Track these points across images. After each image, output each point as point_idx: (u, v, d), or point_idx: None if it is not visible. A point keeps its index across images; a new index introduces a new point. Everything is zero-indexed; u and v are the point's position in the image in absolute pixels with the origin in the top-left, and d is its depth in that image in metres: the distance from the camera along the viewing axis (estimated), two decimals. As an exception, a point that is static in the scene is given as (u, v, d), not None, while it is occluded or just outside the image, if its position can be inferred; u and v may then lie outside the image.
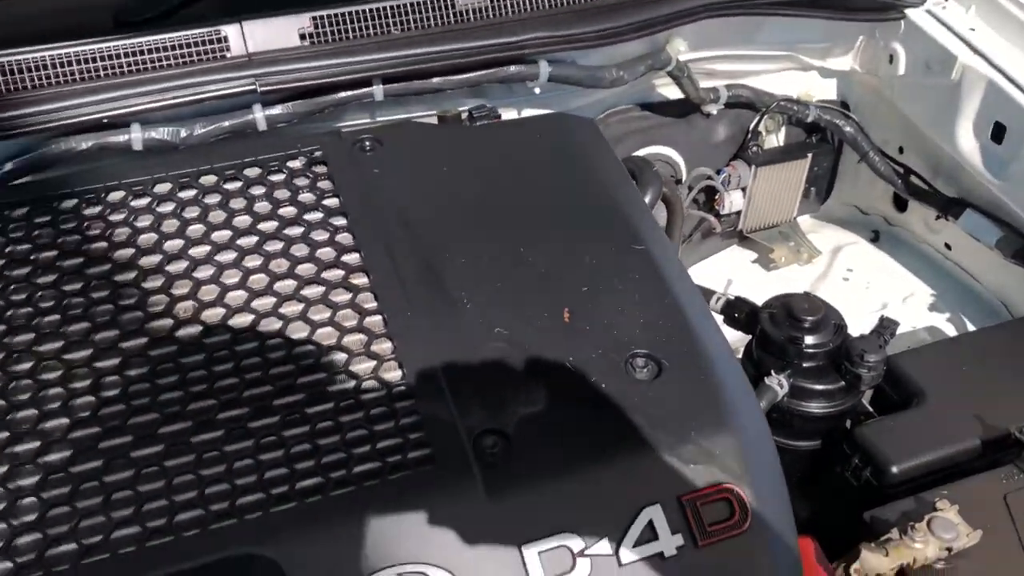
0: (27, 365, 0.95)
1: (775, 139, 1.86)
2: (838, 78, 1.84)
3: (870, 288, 1.80)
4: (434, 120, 1.41)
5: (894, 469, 1.19)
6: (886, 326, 1.29)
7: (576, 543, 0.87)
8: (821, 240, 1.92)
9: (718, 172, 1.81)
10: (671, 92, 1.73)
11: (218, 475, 0.88)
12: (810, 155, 1.86)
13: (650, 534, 0.89)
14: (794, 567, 0.94)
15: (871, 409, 1.34)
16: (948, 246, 1.80)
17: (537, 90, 1.47)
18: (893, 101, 1.74)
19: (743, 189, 1.84)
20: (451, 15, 1.39)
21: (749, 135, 1.81)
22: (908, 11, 1.63)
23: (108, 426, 0.91)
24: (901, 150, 1.80)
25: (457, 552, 0.86)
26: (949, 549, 1.04)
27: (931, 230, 1.82)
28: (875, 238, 1.95)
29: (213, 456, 0.90)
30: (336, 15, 1.34)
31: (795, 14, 1.60)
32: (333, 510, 0.86)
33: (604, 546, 0.88)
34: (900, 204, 1.88)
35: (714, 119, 1.77)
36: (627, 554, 0.88)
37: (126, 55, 1.29)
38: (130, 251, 1.07)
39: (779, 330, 1.27)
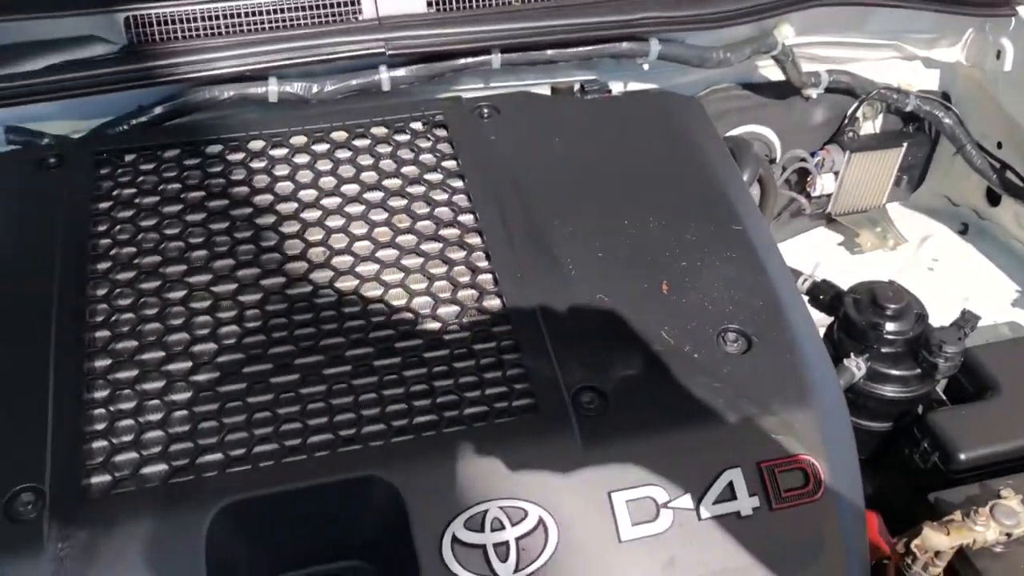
0: (179, 294, 1.07)
1: (872, 126, 1.89)
2: (942, 69, 1.86)
3: (954, 279, 1.83)
4: (546, 90, 1.48)
5: (962, 456, 1.25)
6: (967, 319, 1.33)
7: (661, 495, 0.96)
8: (909, 228, 1.95)
9: (812, 155, 1.85)
10: (772, 73, 1.77)
11: (346, 405, 0.99)
12: (905, 144, 1.89)
13: (729, 494, 0.98)
14: (860, 538, 1.02)
15: (944, 397, 1.40)
16: (1036, 242, 1.82)
17: (646, 66, 1.53)
18: (996, 96, 1.75)
19: (835, 173, 1.88)
20: (570, -9, 1.46)
21: (846, 120, 1.84)
22: (1021, 8, 1.64)
23: (251, 354, 1.02)
24: (1000, 145, 1.82)
25: (552, 493, 0.95)
26: (1009, 535, 1.10)
27: (1021, 226, 1.84)
28: (964, 230, 1.97)
29: (342, 388, 1.00)
30: (464, -16, 1.42)
31: (907, 6, 1.62)
32: (445, 445, 0.96)
33: (686, 501, 0.97)
34: (993, 199, 1.90)
35: (813, 102, 1.81)
36: (706, 510, 0.97)
37: (267, 13, 1.39)
38: (269, 197, 1.18)
39: (862, 315, 1.33)
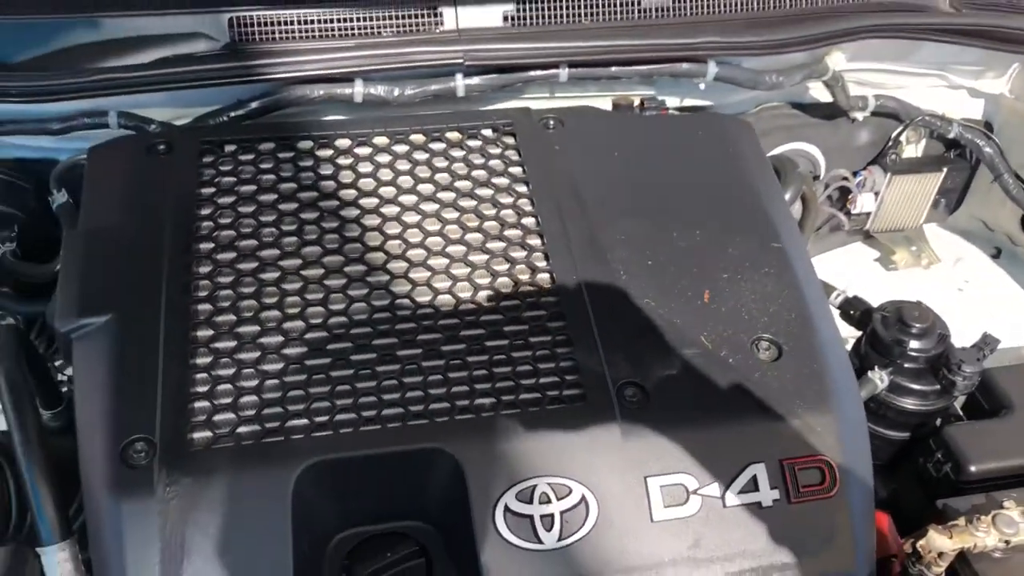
0: (273, 275, 1.20)
1: (914, 150, 1.96)
2: (986, 100, 1.93)
3: (983, 301, 1.91)
4: (608, 103, 1.59)
5: (972, 468, 1.34)
6: (987, 342, 1.42)
7: (691, 483, 1.08)
8: (943, 248, 2.04)
9: (855, 174, 1.93)
10: (821, 94, 1.85)
11: (416, 384, 1.12)
12: (945, 169, 1.96)
13: (752, 486, 1.09)
14: (868, 534, 1.13)
15: (961, 413, 1.49)
16: (1067, 273, 1.90)
17: (702, 86, 1.63)
18: (1037, 130, 1.83)
19: (875, 193, 1.96)
20: (636, 12, 1.57)
21: (890, 143, 1.92)
22: (1064, 48, 1.72)
23: (334, 333, 1.15)
24: (1037, 176, 1.90)
25: (594, 474, 1.07)
26: (1007, 542, 1.20)
27: (1052, 254, 1.92)
28: (996, 254, 2.05)
29: (412, 368, 1.13)
30: (538, 2, 1.53)
31: (956, 42, 1.70)
32: (502, 425, 1.08)
33: (714, 489, 1.08)
34: (1027, 226, 1.98)
35: (858, 124, 1.89)
36: (731, 499, 1.08)
37: (357, 20, 1.52)
38: (353, 192, 1.31)
39: (888, 332, 1.43)
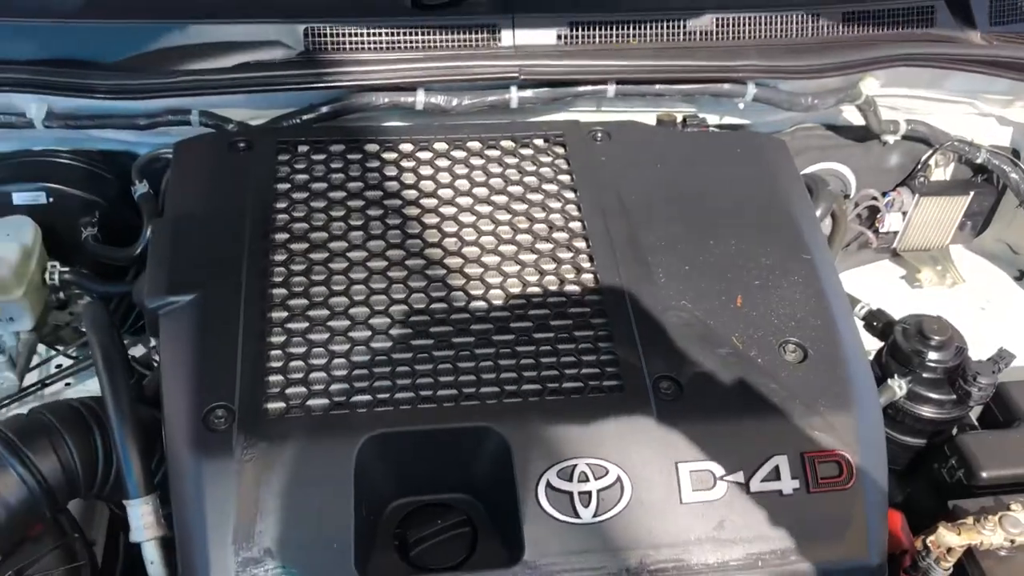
0: (341, 265, 1.32)
1: (942, 173, 2.04)
2: (1014, 128, 2.01)
3: (1003, 321, 1.98)
4: (652, 118, 1.69)
5: (983, 474, 1.42)
6: (1003, 356, 1.50)
7: (718, 470, 1.18)
8: (967, 269, 2.11)
9: (884, 194, 2.02)
10: (854, 117, 1.93)
11: (469, 368, 1.22)
12: (972, 193, 2.04)
13: (775, 475, 1.18)
14: (881, 525, 1.21)
15: (975, 423, 1.58)
16: (1086, 297, 1.97)
17: (741, 105, 1.73)
18: (1061, 157, 1.91)
19: (903, 213, 2.04)
20: (681, 34, 1.67)
21: (919, 166, 2.00)
22: (1089, 82, 1.80)
23: (395, 319, 1.26)
24: (1061, 202, 1.97)
25: (629, 457, 1.17)
26: (1012, 541, 1.28)
27: (1072, 279, 1.99)
28: (1019, 277, 2.12)
29: (466, 355, 1.24)
30: (589, 22, 1.64)
31: (986, 72, 1.79)
32: (547, 409, 1.19)
33: (739, 476, 1.18)
34: (1049, 251, 2.05)
35: (889, 147, 1.97)
36: (755, 486, 1.18)
37: (420, 33, 1.63)
38: (414, 192, 1.42)
39: (908, 343, 1.51)
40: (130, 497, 1.18)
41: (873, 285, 2.08)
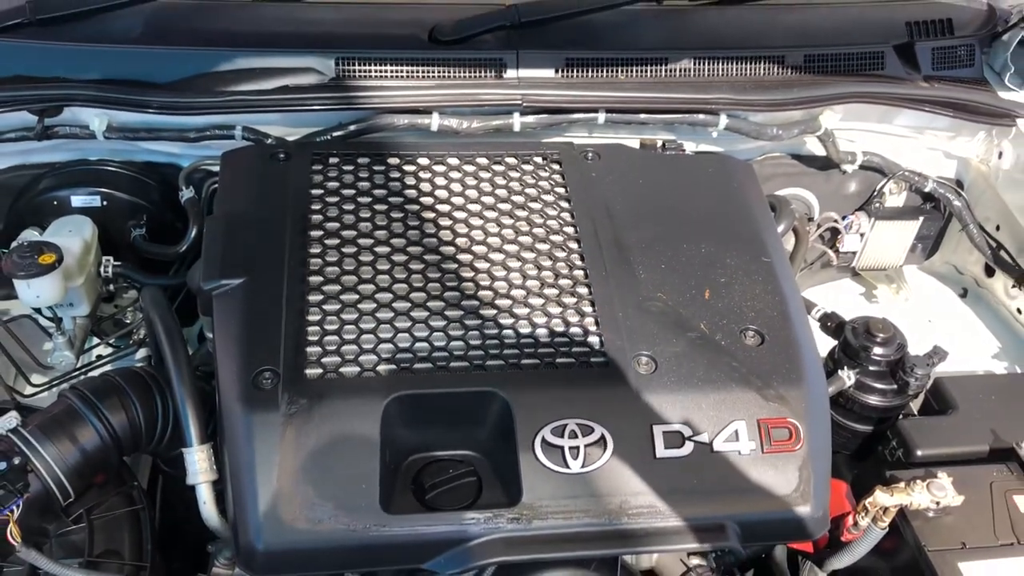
0: (368, 258, 1.54)
1: (896, 200, 2.28)
2: (957, 161, 2.25)
3: (948, 333, 2.21)
4: (636, 143, 1.93)
5: (919, 452, 1.64)
6: (937, 352, 1.73)
7: (687, 431, 1.38)
8: (918, 286, 2.35)
9: (843, 217, 2.25)
10: (816, 148, 2.18)
11: (477, 345, 1.43)
12: (921, 218, 2.28)
13: (735, 438, 1.39)
14: (825, 484, 1.41)
15: (915, 411, 1.80)
16: (1020, 311, 2.20)
17: (714, 134, 1.97)
18: (996, 188, 2.15)
19: (861, 235, 2.28)
20: (664, 71, 1.92)
21: (875, 193, 2.24)
22: (1020, 120, 2.05)
23: (414, 303, 1.48)
24: (998, 228, 2.21)
25: (612, 419, 1.37)
26: (938, 503, 1.50)
27: (1009, 296, 2.22)
28: (963, 294, 2.36)
29: (475, 334, 1.45)
30: (583, 59, 1.89)
31: (930, 110, 2.04)
32: (543, 378, 1.40)
33: (704, 438, 1.39)
34: (989, 271, 2.28)
35: (848, 175, 2.21)
36: (718, 445, 1.38)
37: (436, 64, 1.87)
38: (431, 199, 1.65)
39: (857, 340, 1.74)
40: (188, 445, 1.38)
41: (834, 300, 2.31)
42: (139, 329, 1.97)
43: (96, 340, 1.98)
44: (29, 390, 1.78)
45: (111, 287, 1.90)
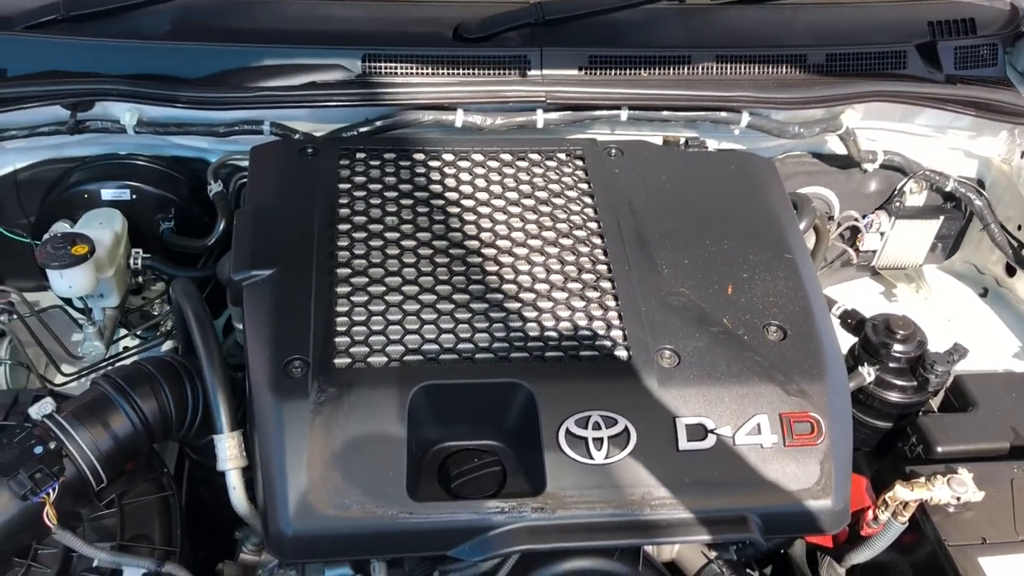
0: (395, 251, 1.56)
1: (916, 199, 2.29)
2: (979, 160, 2.26)
3: (967, 331, 2.22)
4: (658, 140, 1.95)
5: (939, 449, 1.65)
6: (957, 349, 1.74)
7: (710, 424, 1.40)
8: (938, 286, 2.36)
9: (864, 216, 2.26)
10: (837, 147, 2.19)
11: (502, 337, 1.45)
12: (942, 218, 2.29)
13: (757, 431, 1.41)
14: (846, 477, 1.43)
15: (935, 409, 1.81)
16: (1042, 311, 2.22)
17: (736, 131, 1.98)
18: (1018, 187, 2.16)
19: (881, 234, 2.29)
20: (686, 69, 1.93)
21: (895, 192, 2.25)
22: (1042, 119, 2.06)
23: (440, 296, 1.50)
24: (1020, 227, 2.21)
25: (635, 412, 1.39)
26: (958, 498, 1.51)
27: (1031, 297, 2.24)
28: (984, 294, 2.36)
29: (500, 326, 1.47)
30: (607, 57, 1.90)
31: (952, 110, 2.05)
32: (567, 371, 1.42)
33: (727, 431, 1.40)
34: (1010, 270, 2.29)
35: (869, 175, 2.22)
36: (740, 439, 1.40)
37: (461, 61, 1.89)
38: (456, 194, 1.67)
39: (877, 336, 1.75)
40: (219, 432, 1.41)
41: (854, 299, 2.30)
42: (166, 321, 2.01)
43: (124, 331, 2.02)
44: (60, 379, 1.81)
45: (140, 279, 1.93)
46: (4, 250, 1.98)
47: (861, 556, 1.60)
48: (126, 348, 2.03)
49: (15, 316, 1.79)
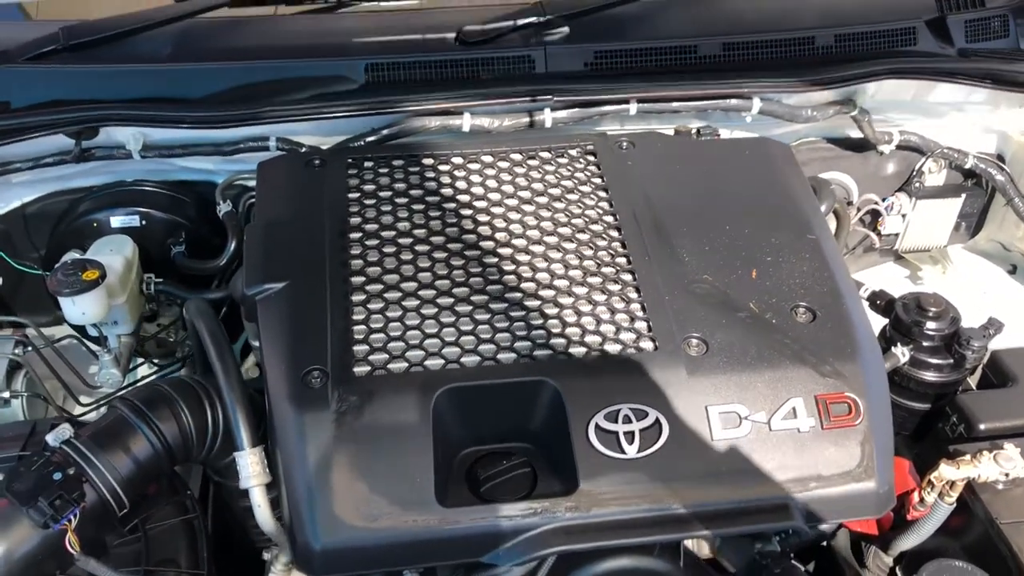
0: (408, 256, 1.53)
1: (936, 179, 2.24)
2: (997, 135, 2.22)
3: (998, 307, 2.15)
4: (670, 131, 1.92)
5: (981, 426, 1.59)
6: (992, 323, 1.69)
7: (743, 411, 1.36)
8: (965, 267, 2.30)
9: (883, 199, 2.22)
10: (852, 130, 2.15)
11: (523, 336, 1.42)
12: (964, 196, 2.24)
13: (792, 415, 1.36)
14: (887, 457, 1.38)
15: (972, 387, 1.76)
16: (1073, 283, 2.16)
17: (748, 119, 1.95)
18: (1041, 159, 2.12)
19: (902, 216, 2.24)
20: (694, 59, 1.90)
21: (914, 173, 2.21)
22: (1061, 89, 2.02)
23: (458, 298, 1.46)
24: (1045, 200, 2.17)
25: (666, 403, 1.35)
26: (1007, 475, 1.45)
27: (1061, 270, 2.18)
28: (1012, 271, 2.31)
29: (520, 324, 1.43)
30: (612, 51, 1.88)
31: (967, 83, 2.00)
32: (592, 365, 1.39)
33: (761, 416, 1.36)
34: (1039, 245, 2.25)
35: (886, 156, 2.18)
36: (776, 423, 1.35)
37: (464, 65, 1.87)
38: (467, 197, 1.64)
39: (908, 315, 1.70)
40: (240, 448, 1.37)
41: (880, 284, 2.26)
42: (182, 347, 1.99)
43: (140, 360, 2.00)
44: (78, 410, 1.78)
45: (153, 306, 1.91)
46: (16, 284, 1.97)
47: (908, 542, 1.55)
48: (143, 377, 2.01)
49: (30, 348, 1.77)
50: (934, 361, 1.69)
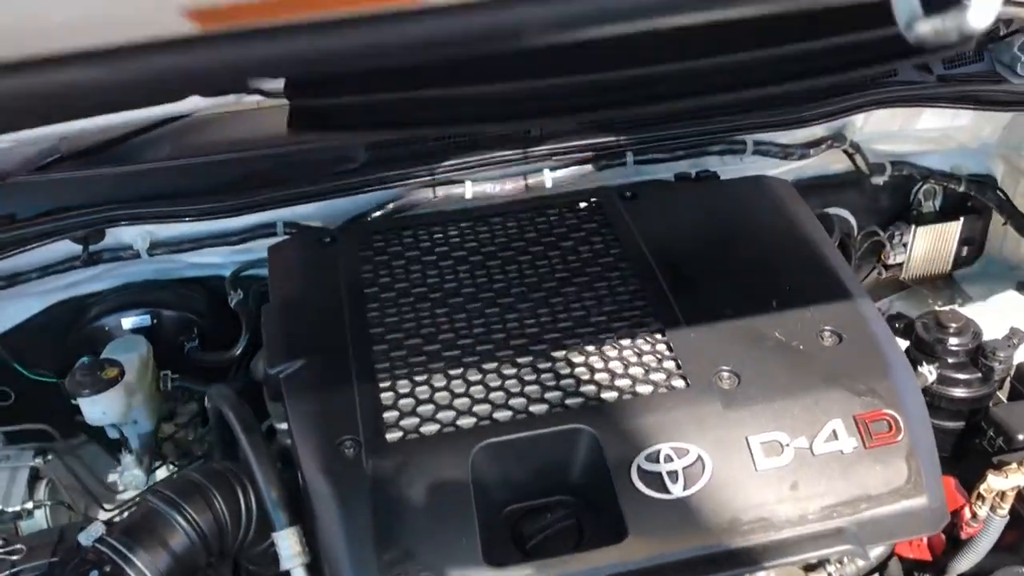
0: (429, 319, 1.52)
1: (932, 204, 2.28)
2: (986, 154, 2.26)
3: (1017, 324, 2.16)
4: (670, 178, 1.94)
5: (1020, 436, 1.58)
6: (1015, 333, 1.69)
7: (784, 438, 1.34)
8: (974, 291, 2.31)
9: (884, 230, 2.25)
10: (845, 164, 2.19)
11: (552, 386, 1.40)
12: (962, 218, 2.28)
13: (833, 437, 1.35)
14: (934, 470, 1.36)
15: (1004, 400, 1.74)
16: (1083, 292, 2.17)
17: (741, 160, 1.98)
18: (1031, 174, 2.15)
19: (904, 244, 2.27)
20: (684, 104, 1.94)
21: (911, 200, 2.24)
22: (1041, 105, 2.06)
23: (482, 355, 1.45)
24: (1042, 213, 2.20)
25: (706, 438, 1.34)
26: (1057, 480, 1.43)
27: (1067, 282, 2.19)
28: (1021, 287, 2.31)
29: (548, 376, 1.42)
30: (603, 105, 1.91)
31: (950, 106, 2.05)
32: (626, 409, 1.37)
33: (803, 442, 1.34)
34: (1043, 260, 2.26)
35: (880, 187, 2.21)
36: (818, 448, 1.34)
37: (462, 136, 1.90)
38: (480, 256, 1.65)
39: (929, 334, 1.70)
40: (278, 529, 1.34)
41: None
42: (200, 444, 1.95)
43: (159, 462, 1.96)
44: (103, 516, 1.74)
45: (171, 404, 1.89)
46: (31, 396, 1.94)
47: (966, 562, 1.51)
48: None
49: (51, 456, 1.74)
50: (962, 377, 1.68)
